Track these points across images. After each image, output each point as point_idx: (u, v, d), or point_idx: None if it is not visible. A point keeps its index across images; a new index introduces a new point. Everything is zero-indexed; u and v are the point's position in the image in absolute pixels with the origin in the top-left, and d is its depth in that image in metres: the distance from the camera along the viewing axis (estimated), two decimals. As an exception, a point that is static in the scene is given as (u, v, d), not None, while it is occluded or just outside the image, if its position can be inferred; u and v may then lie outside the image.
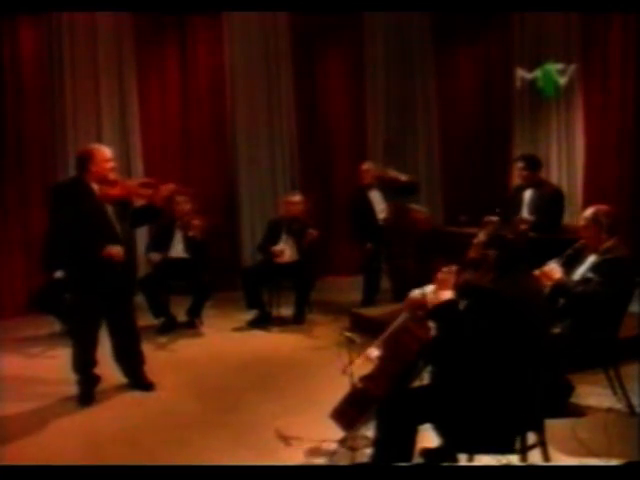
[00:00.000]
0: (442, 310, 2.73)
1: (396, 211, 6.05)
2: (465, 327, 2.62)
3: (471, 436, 2.61)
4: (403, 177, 5.99)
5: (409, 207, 5.95)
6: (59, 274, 5.53)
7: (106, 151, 4.20)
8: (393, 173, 6.04)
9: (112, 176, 4.14)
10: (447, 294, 2.75)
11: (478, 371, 2.61)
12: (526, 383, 2.60)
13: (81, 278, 4.16)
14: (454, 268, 2.83)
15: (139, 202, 4.36)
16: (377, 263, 6.44)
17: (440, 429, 2.70)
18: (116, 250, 4.06)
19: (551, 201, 5.26)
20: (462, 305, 2.73)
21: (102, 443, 3.62)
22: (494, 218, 5.11)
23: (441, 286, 2.81)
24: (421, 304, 2.93)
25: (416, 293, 3.00)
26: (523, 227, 5.08)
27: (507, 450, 2.66)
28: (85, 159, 4.14)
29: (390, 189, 6.06)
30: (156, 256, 5.93)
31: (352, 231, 6.64)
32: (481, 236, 2.78)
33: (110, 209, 4.14)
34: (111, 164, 4.16)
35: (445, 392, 2.68)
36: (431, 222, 6.02)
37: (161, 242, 6.05)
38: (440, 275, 2.84)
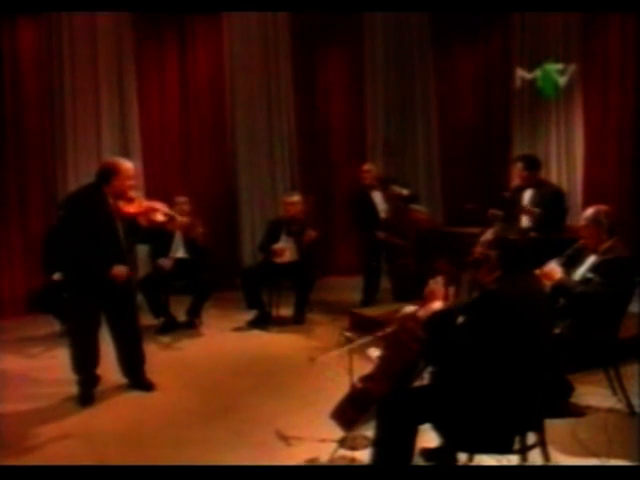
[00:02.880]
0: (435, 320, 2.74)
1: (397, 211, 6.09)
2: (466, 328, 2.62)
3: (471, 436, 2.61)
4: (404, 191, 6.17)
5: (410, 207, 5.98)
6: (58, 276, 5.53)
7: (131, 168, 4.20)
8: (396, 189, 6.18)
9: (131, 194, 4.15)
10: (437, 305, 2.78)
11: (478, 371, 2.61)
12: (527, 383, 2.60)
13: (81, 282, 4.15)
14: (441, 280, 2.85)
15: (144, 222, 4.34)
16: (377, 263, 6.44)
17: (440, 429, 2.69)
18: (121, 271, 4.08)
19: (552, 201, 5.25)
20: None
21: (102, 443, 3.61)
22: (498, 212, 5.13)
23: (430, 298, 2.82)
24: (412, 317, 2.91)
25: (409, 309, 2.98)
26: (528, 215, 5.09)
27: (506, 450, 2.66)
28: (110, 172, 4.12)
29: (394, 201, 6.14)
30: (167, 262, 5.92)
31: (357, 225, 6.61)
32: (488, 234, 2.78)
33: (120, 223, 4.15)
34: (133, 182, 4.18)
35: (445, 392, 2.68)
36: (432, 221, 6.05)
37: (163, 245, 6.01)
38: (428, 287, 2.87)
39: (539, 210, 5.12)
